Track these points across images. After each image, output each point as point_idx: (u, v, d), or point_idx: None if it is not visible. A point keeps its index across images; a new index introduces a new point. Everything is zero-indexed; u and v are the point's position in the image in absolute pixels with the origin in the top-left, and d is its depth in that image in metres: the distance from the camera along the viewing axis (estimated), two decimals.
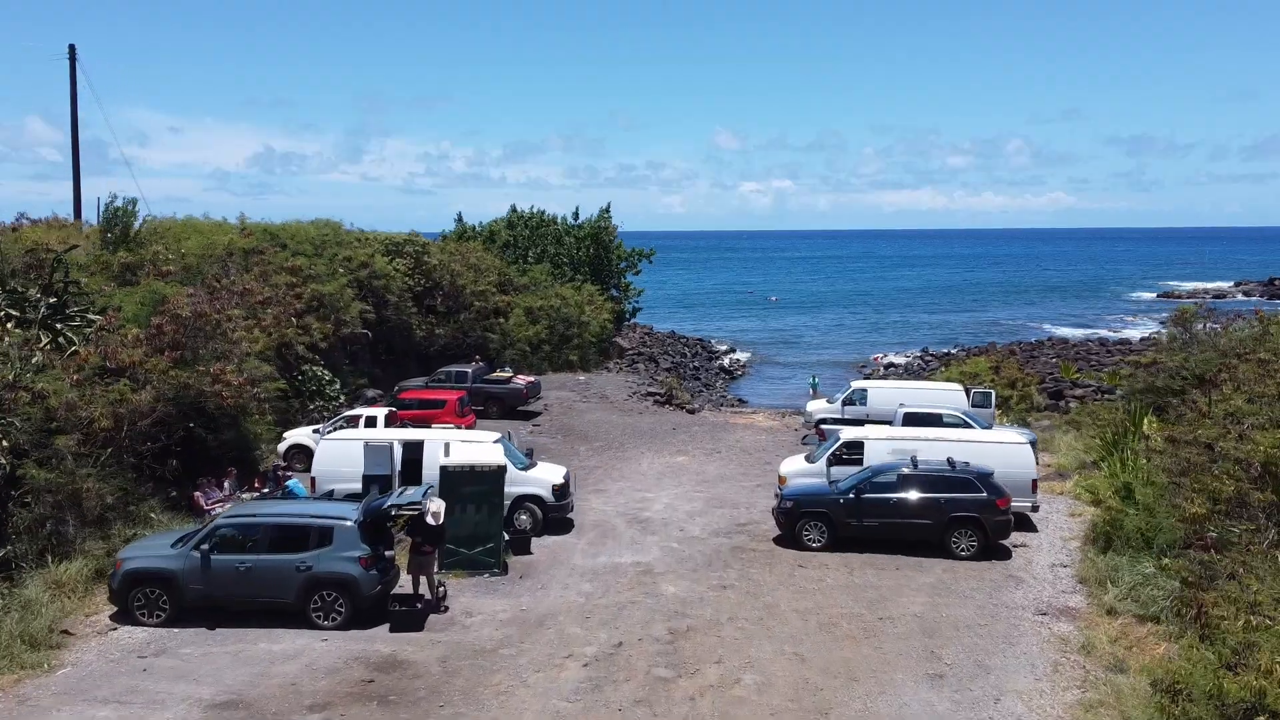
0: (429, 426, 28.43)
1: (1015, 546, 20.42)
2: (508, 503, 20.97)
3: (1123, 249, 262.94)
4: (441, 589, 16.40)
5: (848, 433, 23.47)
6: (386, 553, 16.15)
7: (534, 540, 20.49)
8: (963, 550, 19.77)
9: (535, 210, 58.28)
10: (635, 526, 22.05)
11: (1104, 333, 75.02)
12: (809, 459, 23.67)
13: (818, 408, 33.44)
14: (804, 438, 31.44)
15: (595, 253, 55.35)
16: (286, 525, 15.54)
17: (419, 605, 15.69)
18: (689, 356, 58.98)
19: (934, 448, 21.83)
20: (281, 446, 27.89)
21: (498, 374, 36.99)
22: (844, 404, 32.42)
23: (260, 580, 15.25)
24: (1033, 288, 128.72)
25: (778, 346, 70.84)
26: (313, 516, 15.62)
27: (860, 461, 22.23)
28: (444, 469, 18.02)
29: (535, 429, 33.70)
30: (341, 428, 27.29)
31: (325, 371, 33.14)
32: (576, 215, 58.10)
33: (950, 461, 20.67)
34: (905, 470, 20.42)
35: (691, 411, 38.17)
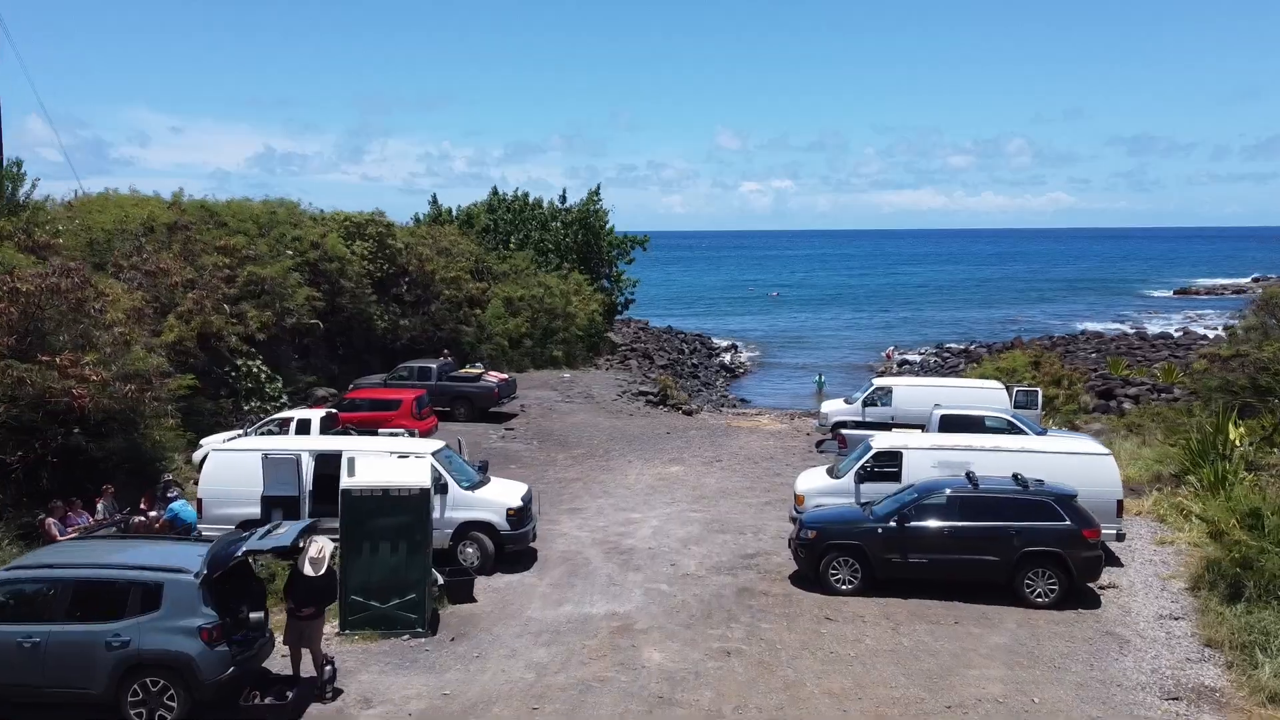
0: (376, 432, 24.24)
1: (1102, 589, 15.77)
2: (450, 531, 16.50)
3: (1129, 247, 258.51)
4: (329, 667, 11.61)
5: (881, 440, 18.72)
6: (251, 615, 11.33)
7: (481, 581, 15.84)
8: (1040, 596, 15.08)
9: (519, 193, 52.89)
10: (615, 560, 17.38)
11: (1127, 328, 70.42)
12: (831, 473, 19.02)
13: (834, 409, 29.03)
14: (818, 444, 27.04)
15: (584, 239, 50.30)
16: (93, 581, 10.70)
17: (290, 693, 10.92)
18: (687, 353, 54.55)
19: (990, 459, 17.18)
20: (197, 455, 23.35)
21: (466, 370, 32.54)
22: (864, 405, 28.01)
23: (55, 662, 10.43)
24: (1046, 284, 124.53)
25: (782, 344, 66.98)
26: (132, 568, 10.80)
27: (896, 476, 17.59)
28: (345, 494, 13.18)
29: (509, 433, 29.24)
30: (272, 433, 23.01)
31: (264, 367, 28.72)
32: (564, 198, 52.84)
33: (1019, 479, 15.96)
34: (961, 490, 15.73)
35: (688, 413, 34.16)
